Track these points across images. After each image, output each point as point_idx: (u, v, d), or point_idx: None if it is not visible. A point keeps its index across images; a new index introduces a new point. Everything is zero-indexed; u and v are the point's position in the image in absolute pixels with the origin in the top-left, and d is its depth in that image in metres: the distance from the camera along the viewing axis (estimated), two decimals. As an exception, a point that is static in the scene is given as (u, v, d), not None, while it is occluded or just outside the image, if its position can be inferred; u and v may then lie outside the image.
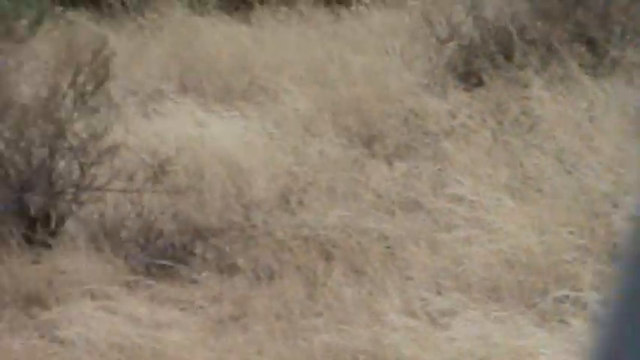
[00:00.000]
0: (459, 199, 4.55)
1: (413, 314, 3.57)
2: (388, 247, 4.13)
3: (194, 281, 3.96)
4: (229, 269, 4.09)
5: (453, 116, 5.40)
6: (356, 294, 3.70)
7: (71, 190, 3.80)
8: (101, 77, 3.88)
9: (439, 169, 4.90)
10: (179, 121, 5.11)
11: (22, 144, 3.79)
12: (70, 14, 6.96)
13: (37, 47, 5.75)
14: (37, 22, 5.52)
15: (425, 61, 6.32)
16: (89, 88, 3.89)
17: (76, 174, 3.85)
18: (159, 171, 3.94)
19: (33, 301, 3.79)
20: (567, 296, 3.53)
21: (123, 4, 7.01)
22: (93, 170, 3.87)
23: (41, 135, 3.83)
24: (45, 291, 3.76)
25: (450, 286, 3.85)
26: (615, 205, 4.04)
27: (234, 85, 6.18)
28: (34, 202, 3.79)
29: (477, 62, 6.09)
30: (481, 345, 3.25)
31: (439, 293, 3.74)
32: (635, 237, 0.69)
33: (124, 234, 3.90)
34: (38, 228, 3.77)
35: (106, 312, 3.69)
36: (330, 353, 3.23)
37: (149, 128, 5.13)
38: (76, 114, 4.01)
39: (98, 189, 3.83)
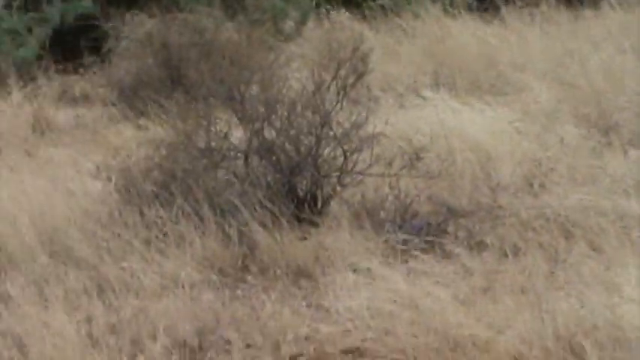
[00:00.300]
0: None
1: (648, 287, 3.86)
2: (624, 227, 4.37)
3: (447, 257, 4.28)
4: (478, 246, 4.37)
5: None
6: (594, 269, 3.89)
7: (335, 174, 4.21)
8: (361, 72, 4.28)
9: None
10: (432, 113, 5.56)
11: (292, 133, 4.23)
12: (333, 14, 7.52)
13: (303, 44, 6.43)
14: (302, 22, 6.17)
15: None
16: (350, 81, 4.29)
17: (340, 160, 4.31)
18: (414, 157, 4.36)
19: (301, 273, 4.25)
20: None
21: (382, 7, 7.63)
22: (355, 156, 4.28)
23: (308, 124, 4.29)
24: (311, 265, 4.22)
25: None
26: None
27: (482, 79, 6.87)
28: (303, 184, 4.24)
29: None
30: None
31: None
32: None
33: (382, 214, 4.34)
34: (306, 208, 4.18)
35: (367, 284, 4.05)
36: (572, 323, 3.43)
37: (405, 119, 5.65)
38: (338, 105, 4.43)
39: (359, 173, 4.24)
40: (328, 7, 7.44)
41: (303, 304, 4.15)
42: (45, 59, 7.26)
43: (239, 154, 4.46)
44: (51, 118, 7.15)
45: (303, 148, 4.48)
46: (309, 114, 4.53)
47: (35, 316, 4.12)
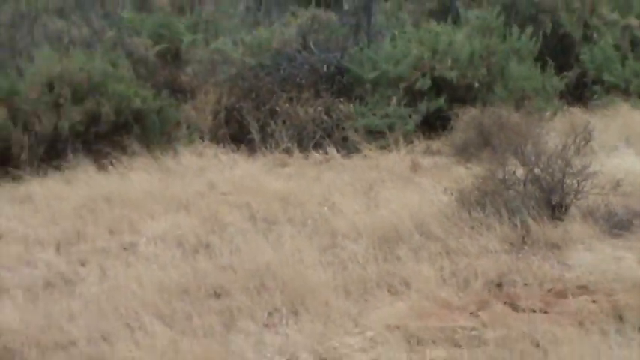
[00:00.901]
0: None
1: None
2: None
3: (634, 238, 6.49)
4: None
5: None
6: None
7: (573, 193, 6.72)
8: (587, 139, 7.02)
9: None
10: (626, 161, 8.44)
11: (549, 170, 6.51)
12: (571, 110, 10.74)
13: (554, 125, 9.65)
14: (554, 113, 9.65)
15: None
16: (582, 143, 6.98)
17: (575, 185, 6.81)
18: (615, 184, 6.74)
19: (553, 245, 6.54)
20: None
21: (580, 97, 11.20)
22: (583, 183, 6.77)
23: (558, 166, 6.71)
24: (560, 241, 6.55)
25: None
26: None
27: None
28: (555, 198, 6.47)
29: None
30: None
31: None
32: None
33: (598, 215, 6.66)
34: (556, 211, 6.69)
35: (590, 251, 6.38)
36: None
37: (611, 164, 8.25)
38: (575, 156, 6.99)
39: (586, 192, 6.74)
40: (566, 104, 10.63)
41: (555, 261, 6.41)
42: (417, 132, 10.01)
43: (520, 182, 7.00)
44: (420, 162, 9.73)
45: (555, 179, 6.92)
46: (559, 161, 6.97)
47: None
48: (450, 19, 11.09)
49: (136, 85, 10.10)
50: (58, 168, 9.99)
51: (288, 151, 10.00)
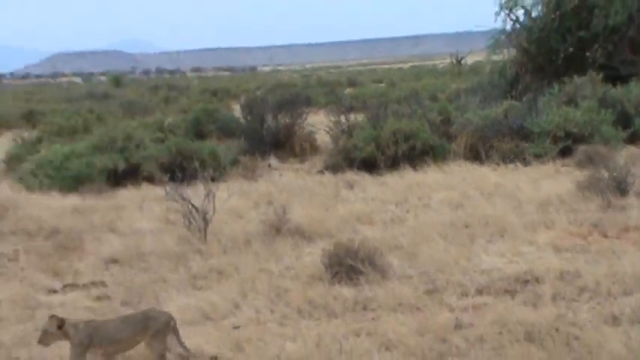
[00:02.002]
0: None
1: None
2: None
3: None
4: None
5: None
6: None
7: None
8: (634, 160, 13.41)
9: None
10: None
11: None
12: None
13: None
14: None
15: None
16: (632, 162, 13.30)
17: None
18: None
19: None
20: None
21: None
22: None
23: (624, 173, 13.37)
24: None
25: None
26: None
27: None
28: None
29: None
30: None
31: None
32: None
33: None
34: None
35: None
36: None
37: None
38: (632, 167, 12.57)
39: None
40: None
41: (623, 215, 10.86)
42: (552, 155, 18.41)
43: (606, 179, 12.16)
44: (560, 169, 15.58)
45: (622, 177, 11.86)
46: (624, 169, 12.18)
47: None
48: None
49: (430, 134, 17.70)
50: (395, 169, 16.45)
51: (498, 163, 16.29)
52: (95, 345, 7.01)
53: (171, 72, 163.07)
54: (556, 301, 7.99)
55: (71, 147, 18.88)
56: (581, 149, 16.01)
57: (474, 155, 17.08)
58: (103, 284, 10.14)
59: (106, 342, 7.04)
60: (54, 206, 14.94)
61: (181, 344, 7.18)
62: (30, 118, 32.22)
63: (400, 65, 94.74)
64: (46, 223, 13.37)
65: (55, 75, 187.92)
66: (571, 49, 22.31)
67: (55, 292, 10.01)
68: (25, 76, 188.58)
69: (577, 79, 19.36)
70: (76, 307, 9.13)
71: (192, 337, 7.70)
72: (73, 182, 16.98)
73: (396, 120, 18.21)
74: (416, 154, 16.98)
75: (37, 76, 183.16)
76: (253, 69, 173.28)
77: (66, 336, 7.01)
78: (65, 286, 10.18)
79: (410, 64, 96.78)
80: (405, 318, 7.84)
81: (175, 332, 7.17)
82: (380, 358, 6.99)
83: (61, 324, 6.98)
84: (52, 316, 7.12)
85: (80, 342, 6.94)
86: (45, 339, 7.06)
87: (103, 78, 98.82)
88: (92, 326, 7.11)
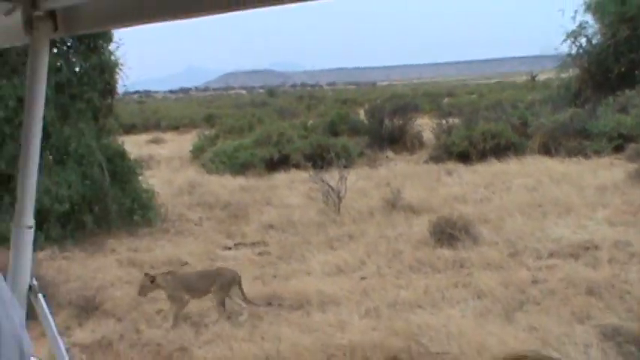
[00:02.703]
0: None
1: None
2: None
3: None
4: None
5: None
6: None
7: None
8: None
9: None
10: None
11: None
12: None
13: None
14: None
15: None
16: None
17: None
18: None
19: None
20: None
21: None
22: None
23: None
24: None
25: None
26: None
27: None
28: None
29: None
30: None
31: None
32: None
33: None
34: None
35: None
36: None
37: None
38: None
39: None
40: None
41: None
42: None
43: None
44: (614, 162, 16.06)
45: None
46: None
47: None
48: None
49: (511, 134, 17.64)
50: (484, 161, 16.31)
51: (565, 157, 16.12)
52: (180, 291, 7.18)
53: (312, 86, 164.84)
54: (611, 264, 7.93)
55: (239, 142, 19.49)
56: (631, 146, 15.86)
57: (546, 151, 16.95)
58: (264, 243, 10.38)
59: (187, 290, 7.22)
60: (227, 185, 15.41)
61: (242, 295, 7.27)
62: (209, 120, 33.11)
63: (488, 81, 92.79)
64: (221, 198, 13.80)
65: (227, 88, 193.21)
66: (623, 69, 22.58)
67: (229, 248, 10.30)
68: (205, 89, 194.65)
69: (628, 92, 19.59)
70: (244, 260, 9.43)
71: (330, 285, 7.82)
72: (240, 168, 17.46)
73: (485, 123, 18.29)
74: (500, 149, 16.89)
75: (214, 89, 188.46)
76: (374, 84, 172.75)
77: (159, 287, 7.21)
78: (236, 245, 10.47)
79: (495, 80, 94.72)
80: (493, 274, 7.85)
81: (240, 286, 7.28)
82: (473, 304, 7.06)
83: (152, 279, 7.20)
84: (146, 274, 7.35)
85: (172, 289, 7.15)
86: (142, 291, 7.27)
87: (261, 90, 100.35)
88: (177, 278, 7.29)
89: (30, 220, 1.72)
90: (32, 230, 1.74)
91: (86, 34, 9.60)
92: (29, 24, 1.54)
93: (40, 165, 1.76)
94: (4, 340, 0.86)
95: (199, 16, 1.47)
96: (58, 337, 1.84)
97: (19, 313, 0.93)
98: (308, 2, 1.36)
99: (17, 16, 1.54)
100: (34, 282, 1.81)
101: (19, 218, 1.71)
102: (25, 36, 1.57)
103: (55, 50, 11.13)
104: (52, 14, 1.54)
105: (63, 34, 1.60)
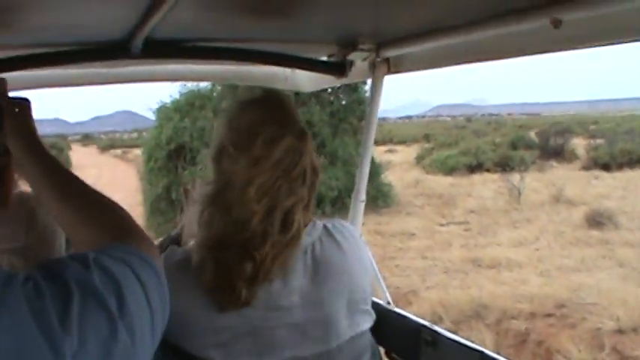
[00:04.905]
0: None
1: None
2: None
3: None
4: None
5: None
6: None
7: None
8: None
9: None
10: None
11: None
12: None
13: None
14: None
15: None
16: None
17: None
18: None
19: None
20: None
21: None
22: None
23: None
24: None
25: None
26: None
27: None
28: None
29: None
30: None
31: None
32: None
33: None
34: None
35: None
36: None
37: None
38: None
39: None
40: None
41: None
42: None
43: None
44: None
45: None
46: None
47: None
48: None
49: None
50: (621, 170, 14.87)
51: None
52: None
53: (495, 115, 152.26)
54: None
55: (448, 153, 19.02)
56: None
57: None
58: (467, 222, 10.21)
59: None
60: (440, 182, 14.67)
61: None
62: (427, 138, 32.07)
63: (621, 114, 78.78)
64: (436, 191, 13.38)
65: (437, 116, 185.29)
66: None
67: (443, 225, 10.08)
68: (423, 116, 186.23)
69: None
70: (454, 233, 9.29)
71: (514, 253, 7.67)
72: (449, 170, 16.45)
73: (622, 142, 17.20)
74: (633, 162, 15.54)
75: (429, 117, 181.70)
76: (538, 114, 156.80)
77: None
78: (447, 223, 10.34)
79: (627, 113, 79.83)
80: (631, 250, 7.27)
81: None
82: (616, 271, 6.64)
83: None
84: None
85: None
86: None
87: (461, 117, 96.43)
88: None
89: (363, 195, 1.69)
90: (363, 203, 1.70)
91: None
92: (372, 66, 1.57)
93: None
94: None
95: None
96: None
97: None
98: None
99: (365, 62, 1.57)
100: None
101: (356, 195, 1.68)
102: (369, 75, 1.60)
103: (329, 90, 11.19)
104: (387, 60, 1.55)
105: (393, 74, 1.57)
